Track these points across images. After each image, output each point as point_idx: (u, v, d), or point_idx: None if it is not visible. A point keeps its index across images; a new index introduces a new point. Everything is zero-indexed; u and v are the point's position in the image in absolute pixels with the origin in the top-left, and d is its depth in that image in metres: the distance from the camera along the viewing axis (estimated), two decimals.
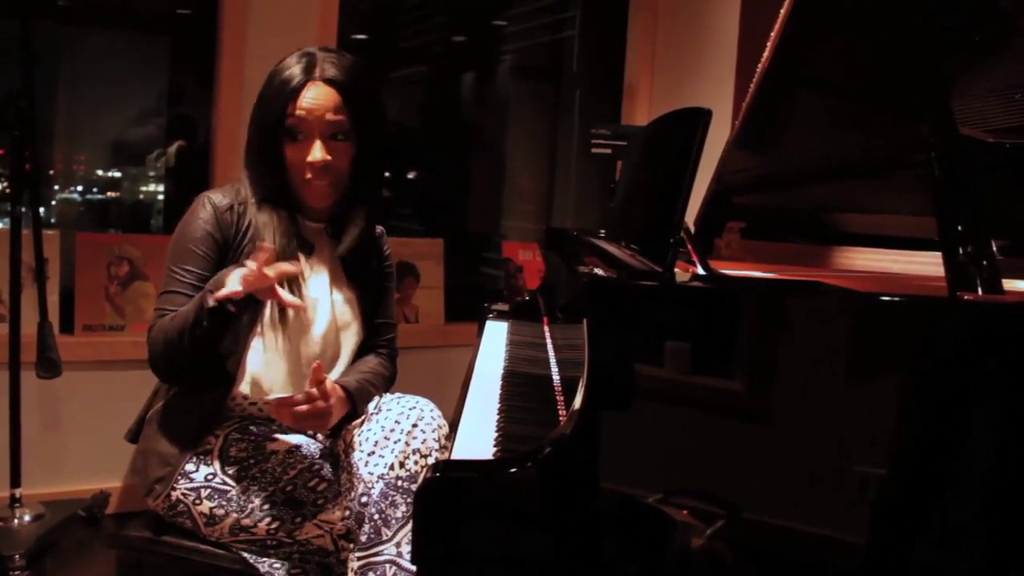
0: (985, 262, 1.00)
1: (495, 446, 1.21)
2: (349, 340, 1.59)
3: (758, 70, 1.26)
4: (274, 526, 1.42)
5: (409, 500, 1.35)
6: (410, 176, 3.36)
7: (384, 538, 1.34)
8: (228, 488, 1.43)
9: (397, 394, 1.56)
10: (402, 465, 1.38)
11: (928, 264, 1.45)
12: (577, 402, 0.97)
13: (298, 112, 1.43)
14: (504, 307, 2.25)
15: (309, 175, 1.46)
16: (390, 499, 1.35)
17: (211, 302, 1.31)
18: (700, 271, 1.09)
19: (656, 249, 1.14)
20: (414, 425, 1.41)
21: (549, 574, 0.95)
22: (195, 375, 1.45)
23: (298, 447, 1.46)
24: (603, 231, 2.05)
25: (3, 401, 2.17)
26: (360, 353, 1.64)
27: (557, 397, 1.36)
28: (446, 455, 1.36)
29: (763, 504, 0.94)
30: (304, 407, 1.37)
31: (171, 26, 2.76)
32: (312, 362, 1.42)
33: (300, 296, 1.50)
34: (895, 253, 1.53)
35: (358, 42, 3.04)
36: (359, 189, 1.54)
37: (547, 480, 0.94)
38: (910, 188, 1.34)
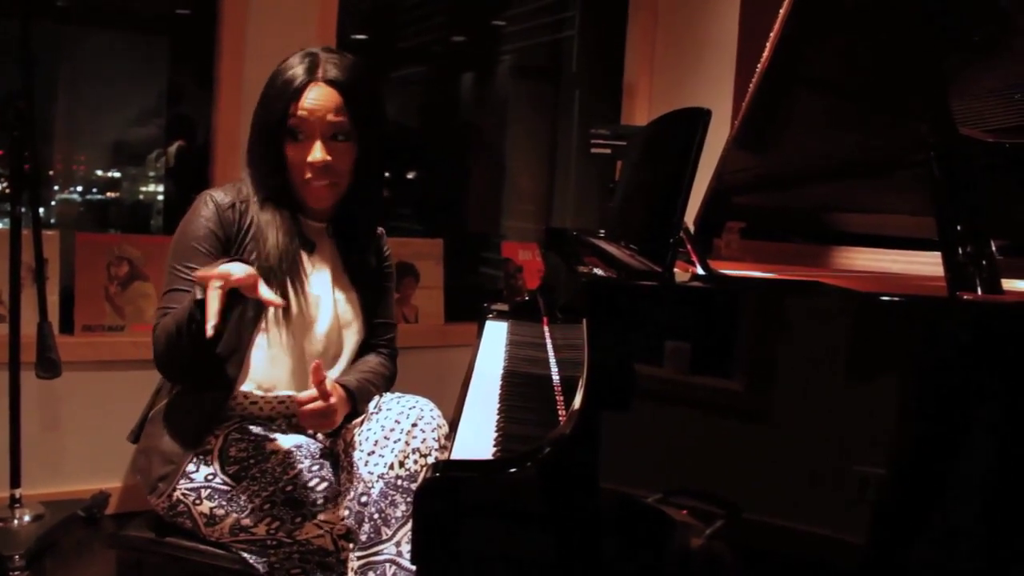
0: (985, 262, 1.00)
1: (495, 446, 1.21)
2: (351, 338, 1.60)
3: (758, 70, 1.26)
4: (274, 526, 1.42)
5: (409, 499, 1.35)
6: (410, 176, 3.36)
7: (384, 537, 1.34)
8: (228, 488, 1.43)
9: (397, 394, 1.56)
10: (402, 464, 1.38)
11: (928, 264, 1.45)
12: (577, 402, 0.97)
13: (300, 112, 1.44)
14: (504, 307, 2.25)
15: (309, 175, 1.47)
16: (390, 498, 1.35)
17: (199, 294, 1.32)
18: (700, 271, 1.09)
19: (656, 249, 1.14)
20: (414, 425, 1.42)
21: (549, 574, 0.95)
22: (199, 373, 1.45)
23: (298, 447, 1.46)
24: (603, 231, 2.05)
25: (3, 401, 2.17)
26: (360, 353, 1.64)
27: (557, 397, 1.36)
28: (446, 455, 1.36)
29: (763, 504, 0.94)
30: (313, 405, 1.38)
31: (170, 26, 2.76)
32: (315, 359, 1.42)
33: (303, 293, 1.50)
34: (895, 253, 1.53)
35: (358, 42, 3.04)
36: (360, 190, 1.55)
37: (547, 480, 0.94)
38: (910, 188, 1.34)
